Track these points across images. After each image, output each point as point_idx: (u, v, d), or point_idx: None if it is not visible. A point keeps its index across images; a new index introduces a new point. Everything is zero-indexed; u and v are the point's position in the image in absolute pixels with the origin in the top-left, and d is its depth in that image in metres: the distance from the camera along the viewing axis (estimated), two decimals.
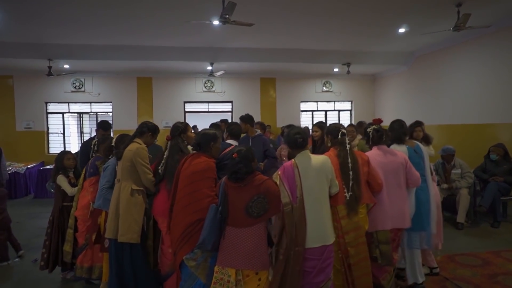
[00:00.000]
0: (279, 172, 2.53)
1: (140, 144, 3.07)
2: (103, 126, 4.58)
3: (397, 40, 7.86)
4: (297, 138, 2.54)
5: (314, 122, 4.37)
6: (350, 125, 4.81)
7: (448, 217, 5.63)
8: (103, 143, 3.62)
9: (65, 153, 3.86)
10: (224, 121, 5.95)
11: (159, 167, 2.96)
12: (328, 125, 3.18)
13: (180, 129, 3.06)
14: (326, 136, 3.04)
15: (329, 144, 2.97)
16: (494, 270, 3.79)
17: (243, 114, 4.80)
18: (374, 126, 3.09)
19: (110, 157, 3.40)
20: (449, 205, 5.60)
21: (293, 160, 2.55)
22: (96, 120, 10.62)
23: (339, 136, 2.85)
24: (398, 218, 2.95)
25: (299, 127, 2.68)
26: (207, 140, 2.72)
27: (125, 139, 3.33)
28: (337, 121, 11.62)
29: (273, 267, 2.47)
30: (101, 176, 3.35)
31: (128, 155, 2.97)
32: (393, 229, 2.95)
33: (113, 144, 3.36)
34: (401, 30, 7.08)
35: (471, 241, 4.80)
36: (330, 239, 2.50)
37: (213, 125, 4.91)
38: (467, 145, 7.04)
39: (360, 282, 2.70)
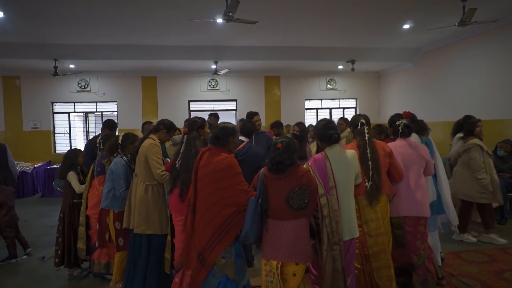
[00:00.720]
0: (309, 163, 2.51)
1: (154, 140, 3.15)
2: (108, 125, 4.58)
3: (402, 37, 7.80)
4: (333, 134, 2.54)
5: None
6: (341, 118, 4.98)
7: None
8: (108, 141, 3.63)
9: (77, 151, 3.91)
10: (214, 114, 5.90)
11: (176, 162, 2.96)
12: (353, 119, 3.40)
13: (198, 124, 3.06)
14: (350, 128, 3.20)
15: (352, 136, 3.09)
16: (501, 267, 3.76)
17: (248, 112, 4.85)
18: (404, 121, 3.13)
19: (114, 155, 3.41)
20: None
21: (323, 152, 2.55)
22: (102, 120, 10.71)
23: (359, 127, 2.92)
24: (416, 206, 3.00)
25: (333, 123, 2.66)
26: (226, 134, 2.60)
27: (131, 137, 3.38)
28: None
29: (317, 261, 2.47)
30: (107, 176, 3.34)
31: (142, 151, 3.08)
32: (413, 217, 2.99)
33: (119, 142, 3.37)
34: (406, 26, 7.02)
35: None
36: (357, 232, 2.55)
37: (213, 114, 5.05)
38: None
39: (379, 275, 2.74)
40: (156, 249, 3.07)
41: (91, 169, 3.68)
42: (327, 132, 2.54)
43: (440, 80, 8.38)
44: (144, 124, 5.08)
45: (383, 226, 2.80)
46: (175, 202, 2.91)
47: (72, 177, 3.71)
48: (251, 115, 4.73)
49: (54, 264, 3.74)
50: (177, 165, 2.91)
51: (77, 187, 3.68)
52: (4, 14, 5.79)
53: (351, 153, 2.61)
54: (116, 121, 10.28)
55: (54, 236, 3.87)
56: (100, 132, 8.84)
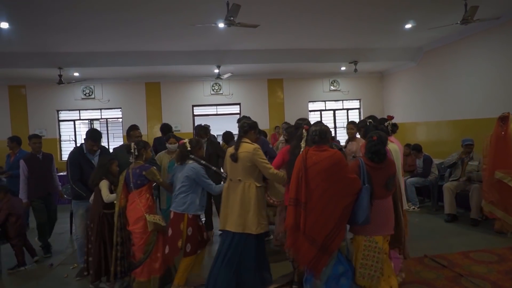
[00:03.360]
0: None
1: (251, 143, 3.29)
2: (92, 137, 4.02)
3: (404, 36, 7.78)
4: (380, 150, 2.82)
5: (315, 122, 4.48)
6: (350, 122, 4.96)
7: (461, 213, 5.54)
8: (145, 148, 3.53)
9: (113, 159, 3.76)
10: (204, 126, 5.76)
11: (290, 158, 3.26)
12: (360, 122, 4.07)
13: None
14: (359, 130, 3.76)
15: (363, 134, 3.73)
16: (511, 266, 3.72)
17: (251, 115, 4.89)
18: (391, 122, 3.62)
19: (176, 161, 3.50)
20: (462, 201, 5.52)
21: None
22: (107, 126, 10.79)
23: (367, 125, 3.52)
24: None
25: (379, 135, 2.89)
26: (327, 134, 2.86)
27: (198, 142, 3.53)
28: (346, 120, 11.58)
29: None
30: (180, 182, 3.34)
31: (247, 156, 3.18)
32: None
33: (189, 149, 3.42)
34: (408, 26, 7.00)
35: (486, 237, 4.72)
36: None
37: (200, 127, 5.08)
38: (479, 141, 6.91)
39: None
40: (251, 249, 3.21)
41: (122, 181, 3.47)
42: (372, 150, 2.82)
43: (443, 79, 8.34)
44: (130, 129, 4.43)
45: None
46: None
47: (103, 185, 3.54)
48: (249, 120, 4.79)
49: (87, 275, 3.56)
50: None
51: (106, 196, 3.50)
52: (9, 25, 5.87)
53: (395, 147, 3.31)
54: (120, 127, 10.42)
55: (62, 243, 3.89)
56: (106, 139, 8.86)
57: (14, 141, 5.72)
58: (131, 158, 3.50)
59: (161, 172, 4.24)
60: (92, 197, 3.70)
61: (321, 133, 2.80)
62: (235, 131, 4.75)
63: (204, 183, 3.35)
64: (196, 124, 10.25)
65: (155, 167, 3.55)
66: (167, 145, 4.60)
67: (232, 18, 4.99)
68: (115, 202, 3.49)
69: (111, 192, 3.57)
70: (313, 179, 2.66)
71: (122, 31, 6.65)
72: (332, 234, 2.62)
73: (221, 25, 5.38)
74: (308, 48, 8.52)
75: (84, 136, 4.05)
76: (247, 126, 3.33)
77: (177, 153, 3.56)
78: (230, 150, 3.34)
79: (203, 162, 3.45)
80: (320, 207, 2.63)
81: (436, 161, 6.77)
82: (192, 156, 3.42)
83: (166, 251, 3.35)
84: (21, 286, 3.83)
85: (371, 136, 2.77)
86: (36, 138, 4.88)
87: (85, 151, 3.95)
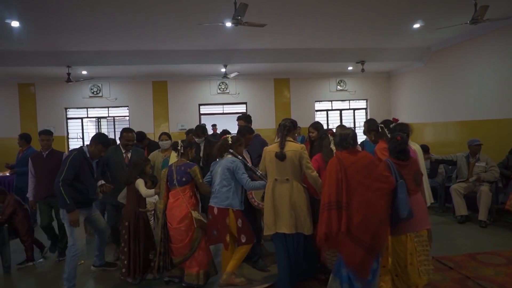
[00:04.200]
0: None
1: (295, 142, 3.33)
2: (102, 142, 3.63)
3: (412, 36, 7.72)
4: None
5: (312, 122, 4.44)
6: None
7: (469, 215, 5.49)
8: (190, 148, 3.61)
9: (146, 160, 3.85)
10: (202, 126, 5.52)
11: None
12: (368, 122, 4.14)
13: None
14: (369, 132, 3.95)
15: (373, 138, 3.89)
16: None
17: (257, 115, 4.83)
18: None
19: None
20: (469, 202, 5.46)
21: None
22: (114, 124, 10.88)
23: (380, 130, 3.50)
24: None
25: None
26: (356, 137, 2.98)
27: (239, 139, 3.56)
28: (352, 120, 11.54)
29: None
30: (220, 176, 3.36)
31: (295, 155, 3.19)
32: None
33: (230, 142, 3.49)
34: (416, 26, 6.95)
35: (493, 239, 4.67)
36: None
37: (198, 126, 4.99)
38: (488, 142, 6.82)
39: None
40: (301, 247, 3.26)
41: (165, 179, 3.51)
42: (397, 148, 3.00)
43: (452, 79, 8.26)
44: (123, 131, 4.28)
45: None
46: None
47: (140, 182, 3.57)
48: (249, 118, 4.69)
49: (120, 274, 3.54)
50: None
51: (145, 192, 3.54)
52: (20, 23, 5.95)
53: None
54: (127, 125, 10.47)
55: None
56: (113, 137, 8.87)
57: (23, 138, 5.74)
58: (176, 155, 3.61)
59: (155, 171, 4.30)
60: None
61: (355, 137, 2.92)
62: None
63: (240, 176, 3.34)
64: (199, 123, 10.31)
65: (198, 167, 3.57)
66: (160, 142, 4.64)
67: (239, 17, 5.00)
68: (154, 200, 3.60)
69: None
70: (354, 178, 2.69)
71: (130, 30, 6.70)
72: (377, 232, 2.66)
73: (228, 24, 5.39)
74: (315, 47, 8.50)
75: (92, 136, 3.70)
76: (290, 125, 3.35)
77: (217, 146, 3.55)
78: (272, 148, 3.31)
79: (240, 157, 3.48)
80: (364, 206, 2.64)
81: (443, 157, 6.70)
82: (231, 151, 3.47)
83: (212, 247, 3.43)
84: (30, 281, 3.88)
85: (395, 136, 2.98)
86: (44, 135, 4.41)
87: (87, 155, 3.56)
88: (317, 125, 4.23)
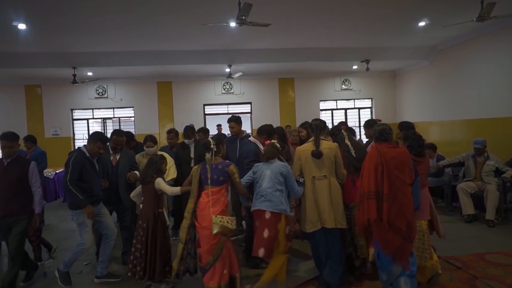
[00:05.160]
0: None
1: (329, 141, 3.52)
2: (102, 139, 3.67)
3: (418, 34, 7.67)
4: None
5: (307, 122, 4.41)
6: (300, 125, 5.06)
7: (477, 215, 5.43)
8: (222, 144, 3.39)
9: (163, 158, 3.71)
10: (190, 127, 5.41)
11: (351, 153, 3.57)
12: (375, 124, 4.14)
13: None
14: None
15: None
16: None
17: (262, 115, 4.82)
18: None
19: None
20: (476, 201, 5.41)
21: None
22: (119, 125, 10.93)
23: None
24: None
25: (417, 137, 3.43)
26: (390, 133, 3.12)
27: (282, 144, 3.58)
28: (357, 119, 11.50)
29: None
30: (273, 179, 3.22)
31: (332, 153, 3.35)
32: None
33: (279, 148, 3.42)
34: (421, 24, 6.90)
35: (502, 239, 4.61)
36: None
37: (187, 127, 4.95)
38: (495, 140, 6.77)
39: None
40: (338, 241, 3.36)
41: (197, 178, 3.26)
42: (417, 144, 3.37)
43: (458, 78, 8.19)
44: (113, 134, 4.19)
45: None
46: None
47: (161, 182, 3.44)
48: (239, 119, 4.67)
49: (137, 277, 3.40)
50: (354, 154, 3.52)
51: (170, 190, 3.43)
52: (26, 26, 6.01)
53: None
54: (133, 126, 10.53)
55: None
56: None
57: (28, 140, 5.78)
58: (207, 154, 3.28)
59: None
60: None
61: (390, 131, 3.06)
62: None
63: (291, 182, 3.27)
64: (204, 124, 10.33)
65: (235, 165, 3.36)
66: (145, 148, 4.51)
67: (243, 17, 5.00)
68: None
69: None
70: (392, 173, 2.87)
71: (135, 31, 6.73)
72: (410, 222, 2.88)
73: (232, 24, 5.40)
74: (320, 47, 8.48)
75: (90, 135, 3.72)
76: (321, 124, 3.49)
77: (267, 150, 3.40)
78: (306, 148, 3.41)
79: (285, 163, 3.43)
80: (400, 197, 2.86)
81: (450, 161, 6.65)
82: (280, 156, 3.44)
83: (261, 254, 3.17)
84: (37, 281, 3.90)
85: (414, 132, 3.36)
86: (5, 141, 3.62)
87: (87, 154, 3.55)
88: (305, 125, 4.38)
